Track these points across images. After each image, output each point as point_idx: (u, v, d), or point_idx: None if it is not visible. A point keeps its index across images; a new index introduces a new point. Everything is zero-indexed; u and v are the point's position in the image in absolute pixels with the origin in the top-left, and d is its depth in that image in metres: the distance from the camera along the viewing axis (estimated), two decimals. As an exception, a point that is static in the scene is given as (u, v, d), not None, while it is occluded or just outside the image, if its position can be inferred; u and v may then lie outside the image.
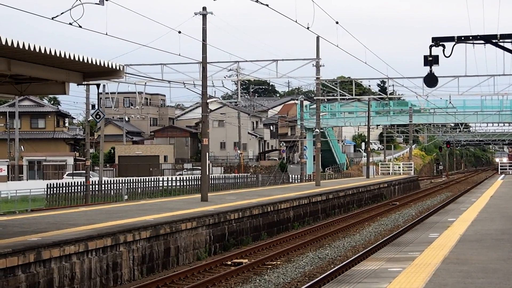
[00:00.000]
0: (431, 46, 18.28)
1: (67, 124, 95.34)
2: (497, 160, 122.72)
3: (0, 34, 13.02)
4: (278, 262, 20.17)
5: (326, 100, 78.79)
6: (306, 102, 78.62)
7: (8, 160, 73.18)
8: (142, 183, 47.02)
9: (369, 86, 76.53)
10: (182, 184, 50.12)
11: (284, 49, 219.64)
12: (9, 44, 13.32)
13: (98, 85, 41.33)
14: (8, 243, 14.56)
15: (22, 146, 78.37)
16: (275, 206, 27.64)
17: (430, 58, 18.28)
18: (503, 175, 73.59)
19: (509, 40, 18.43)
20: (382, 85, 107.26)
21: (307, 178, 63.33)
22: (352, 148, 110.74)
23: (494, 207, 25.56)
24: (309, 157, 74.38)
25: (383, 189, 49.54)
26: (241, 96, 61.64)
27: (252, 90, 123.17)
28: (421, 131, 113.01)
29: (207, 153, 30.10)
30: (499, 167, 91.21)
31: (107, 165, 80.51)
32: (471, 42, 18.64)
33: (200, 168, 36.22)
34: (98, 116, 41.80)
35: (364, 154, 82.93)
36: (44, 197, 40.33)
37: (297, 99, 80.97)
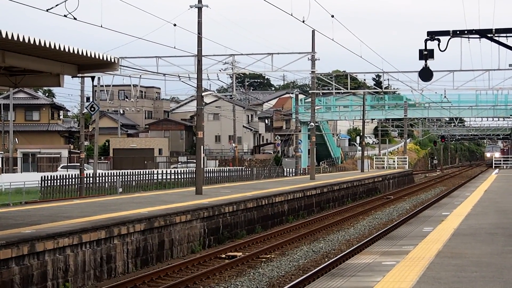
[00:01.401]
0: (426, 40, 18.25)
1: (61, 117, 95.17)
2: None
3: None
4: (273, 255, 20.19)
5: (321, 94, 78.72)
6: (301, 96, 78.59)
7: (2, 152, 73.07)
8: (136, 176, 46.98)
9: (364, 80, 76.40)
10: (176, 177, 50.07)
11: (280, 43, 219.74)
12: (3, 35, 13.26)
13: (92, 78, 41.22)
14: (2, 235, 14.54)
15: (16, 139, 78.20)
16: (269, 200, 27.65)
17: (425, 52, 18.25)
18: (497, 170, 73.66)
19: (504, 35, 18.41)
20: (377, 79, 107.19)
21: (301, 171, 63.35)
22: (347, 142, 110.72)
23: (488, 201, 25.59)
24: (304, 151, 74.41)
25: (377, 183, 49.58)
26: (236, 89, 61.57)
27: (247, 83, 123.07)
28: (416, 125, 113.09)
29: (202, 146, 30.08)
30: (494, 162, 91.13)
31: (102, 158, 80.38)
32: (467, 36, 18.62)
33: (194, 161, 36.19)
34: (92, 109, 41.71)
35: (359, 148, 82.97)
36: (38, 190, 40.26)
37: (292, 93, 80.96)
